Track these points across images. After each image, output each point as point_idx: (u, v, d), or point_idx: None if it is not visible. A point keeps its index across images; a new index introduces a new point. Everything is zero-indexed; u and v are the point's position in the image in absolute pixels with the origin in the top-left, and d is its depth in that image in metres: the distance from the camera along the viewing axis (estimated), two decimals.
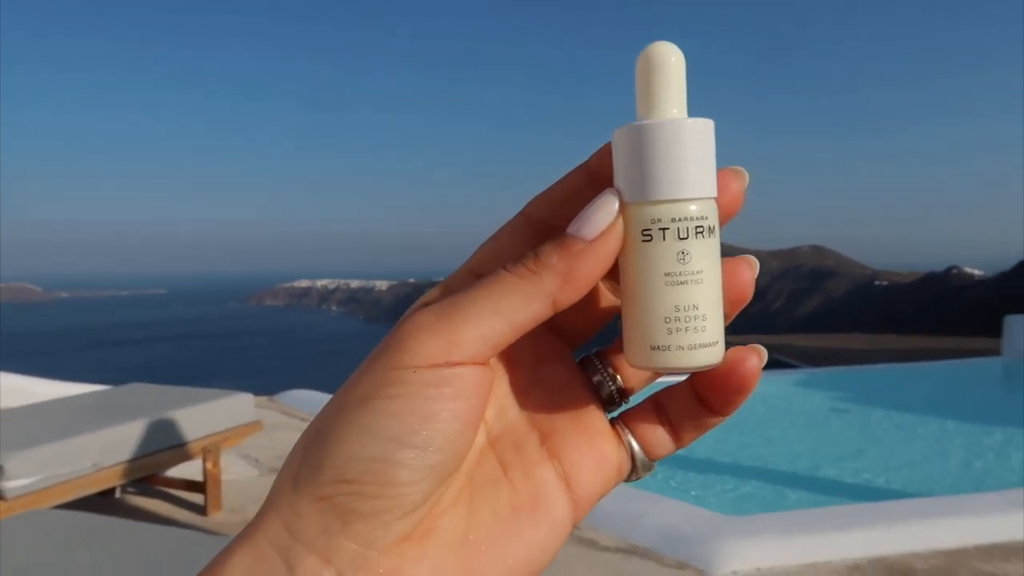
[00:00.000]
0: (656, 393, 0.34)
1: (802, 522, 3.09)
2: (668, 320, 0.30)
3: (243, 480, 3.84)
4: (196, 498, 3.51)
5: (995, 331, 8.65)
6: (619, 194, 0.30)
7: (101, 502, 3.39)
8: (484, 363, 0.29)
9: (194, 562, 1.74)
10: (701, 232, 0.30)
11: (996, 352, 8.54)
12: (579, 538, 2.98)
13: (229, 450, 4.07)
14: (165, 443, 3.14)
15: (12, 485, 2.54)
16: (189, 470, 3.64)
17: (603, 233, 0.29)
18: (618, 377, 0.34)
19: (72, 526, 1.93)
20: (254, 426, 3.58)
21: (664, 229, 0.30)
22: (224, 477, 3.61)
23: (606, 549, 2.92)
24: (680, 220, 0.30)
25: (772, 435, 6.08)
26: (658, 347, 0.30)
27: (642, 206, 0.30)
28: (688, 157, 0.30)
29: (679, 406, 0.33)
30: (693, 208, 0.30)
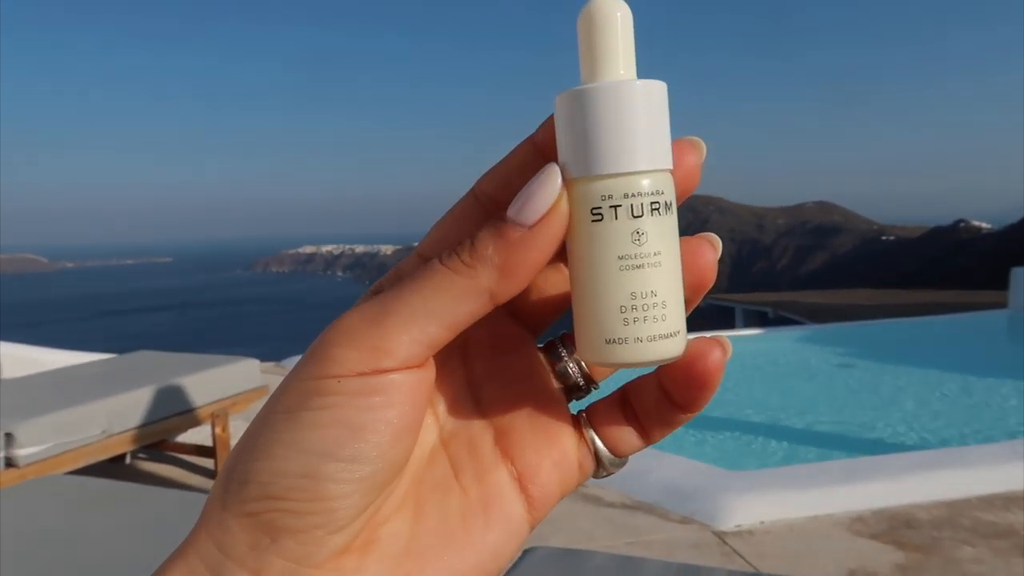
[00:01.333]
0: (624, 385, 0.32)
1: (805, 476, 3.12)
2: (624, 309, 0.27)
3: None
4: (206, 463, 3.56)
5: (1002, 284, 8.62)
6: (563, 169, 0.27)
7: (112, 468, 3.43)
8: (419, 365, 0.27)
9: None
10: (657, 209, 0.27)
11: (1003, 305, 8.53)
12: (584, 494, 3.02)
13: (237, 415, 4.11)
14: (174, 409, 3.17)
15: (23, 453, 2.57)
16: (198, 435, 3.68)
17: (544, 216, 0.26)
18: (583, 364, 0.32)
19: (83, 491, 1.95)
20: (261, 391, 3.61)
21: (615, 207, 0.26)
22: (232, 441, 3.65)
23: (611, 505, 2.95)
24: (633, 196, 0.26)
25: (778, 391, 6.12)
26: (614, 340, 0.27)
27: (589, 182, 0.27)
28: (638, 124, 0.26)
29: (646, 400, 0.30)
30: (646, 182, 0.27)
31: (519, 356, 0.32)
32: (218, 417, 3.34)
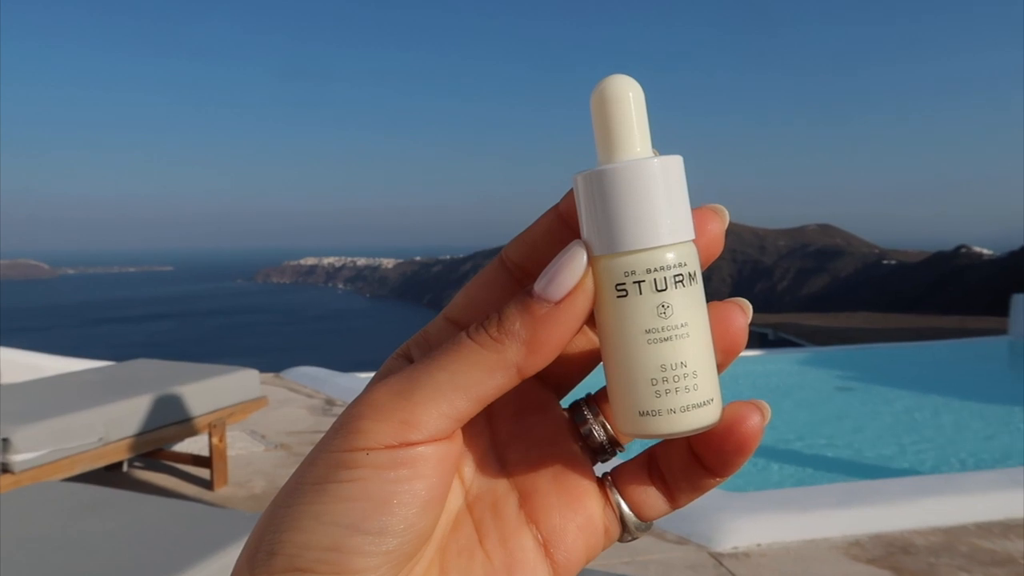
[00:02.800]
0: (650, 448, 0.31)
1: (803, 499, 3.10)
2: (655, 382, 0.27)
3: (249, 455, 3.87)
4: (202, 472, 3.54)
5: (1003, 310, 8.62)
6: (587, 246, 0.28)
7: (108, 476, 3.43)
8: (447, 438, 0.27)
9: (201, 535, 1.76)
10: (681, 280, 0.27)
11: (1003, 331, 8.52)
12: None
13: (235, 425, 4.10)
14: (171, 418, 3.17)
15: (19, 459, 2.57)
16: (195, 445, 3.68)
17: (570, 293, 0.27)
18: (608, 426, 0.32)
19: (79, 498, 1.95)
20: (259, 402, 3.60)
21: (639, 282, 0.27)
22: (230, 452, 3.64)
23: None
24: (657, 270, 0.27)
25: (777, 413, 6.07)
26: (647, 412, 0.28)
27: (613, 258, 0.27)
28: (658, 200, 0.27)
29: (674, 464, 0.30)
30: (670, 256, 0.27)
31: (544, 418, 0.32)
32: (215, 427, 3.33)
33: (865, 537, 2.82)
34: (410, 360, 0.31)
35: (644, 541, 2.79)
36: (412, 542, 0.27)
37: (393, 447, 0.26)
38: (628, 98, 0.28)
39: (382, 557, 0.26)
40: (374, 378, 0.29)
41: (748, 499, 3.16)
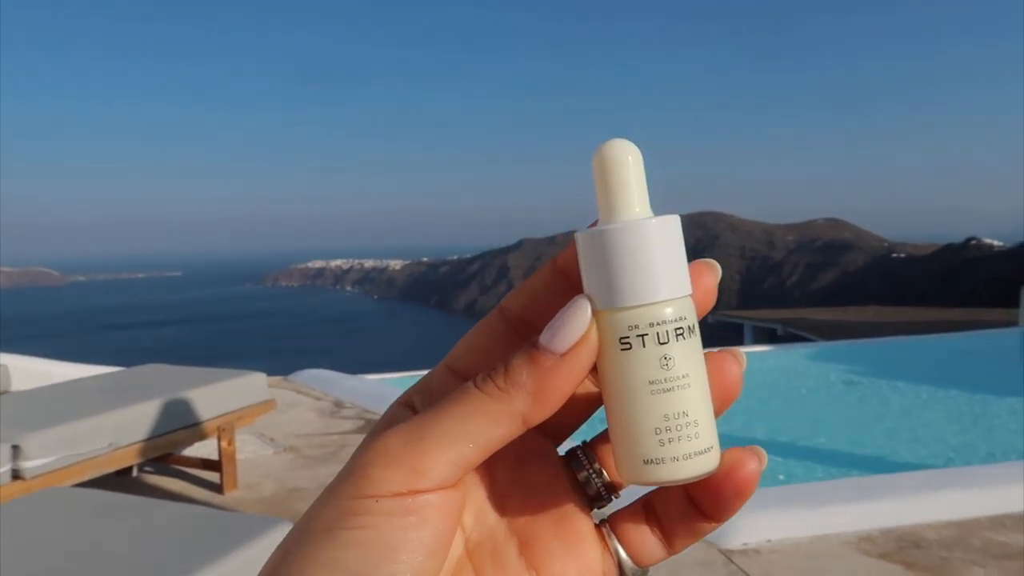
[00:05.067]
0: (647, 495, 0.32)
1: (813, 494, 3.09)
2: (659, 431, 0.28)
3: (258, 458, 3.88)
4: (212, 476, 3.56)
5: (1013, 302, 8.57)
6: (590, 300, 0.29)
7: (118, 481, 3.44)
8: (453, 486, 0.28)
9: (211, 539, 1.76)
10: (681, 333, 0.29)
11: (1014, 323, 8.47)
12: None
13: (243, 429, 4.11)
14: (180, 422, 3.18)
15: (30, 465, 2.58)
16: (205, 449, 3.69)
17: (575, 346, 0.28)
18: (604, 473, 0.33)
19: (90, 503, 1.96)
20: (268, 405, 3.61)
21: (643, 336, 0.28)
22: (239, 455, 3.65)
23: None
24: (658, 324, 0.28)
25: (787, 408, 6.08)
26: (651, 460, 0.29)
27: (616, 312, 0.29)
28: (657, 258, 0.29)
29: (671, 509, 0.31)
30: (670, 310, 0.29)
31: (541, 465, 0.33)
32: (224, 431, 3.34)
33: (876, 532, 2.81)
34: (413, 408, 0.31)
35: None
36: None
37: (402, 495, 0.27)
38: (628, 161, 0.29)
39: None
40: (377, 424, 0.30)
41: (758, 495, 3.14)
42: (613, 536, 0.32)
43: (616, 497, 0.33)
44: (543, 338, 0.28)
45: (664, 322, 0.28)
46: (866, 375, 7.04)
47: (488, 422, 0.28)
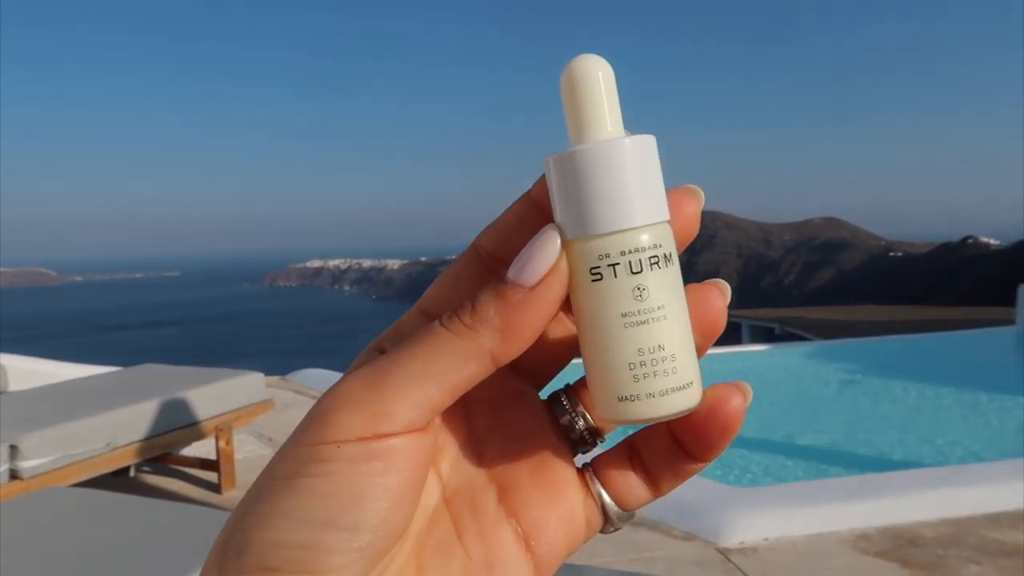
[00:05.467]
0: (631, 436, 0.31)
1: (810, 492, 3.10)
2: (633, 366, 0.27)
3: (256, 458, 3.88)
4: (210, 476, 3.56)
5: (1010, 301, 8.59)
6: (560, 230, 0.27)
7: (116, 481, 3.44)
8: (420, 430, 0.26)
9: (209, 538, 1.76)
10: (656, 262, 0.27)
11: (1011, 322, 8.49)
12: None
13: (241, 428, 4.11)
14: (178, 422, 3.18)
15: (27, 465, 2.58)
16: (203, 449, 3.69)
17: (544, 278, 0.26)
18: (588, 417, 0.31)
19: (87, 503, 1.96)
20: (266, 404, 3.62)
21: (614, 265, 0.26)
22: (237, 455, 3.65)
23: None
24: (631, 252, 0.26)
25: (784, 407, 6.09)
26: (626, 397, 0.27)
27: (587, 241, 0.27)
28: (631, 181, 0.26)
29: (656, 451, 0.30)
30: (644, 237, 0.27)
31: (522, 410, 0.31)
32: (222, 431, 3.34)
33: (873, 530, 2.81)
34: (383, 353, 0.29)
35: (650, 537, 2.79)
36: (385, 538, 0.26)
37: (365, 439, 0.25)
38: (598, 78, 0.27)
39: (355, 554, 0.25)
40: (347, 372, 0.28)
41: (755, 494, 3.16)
42: (596, 480, 0.30)
43: (601, 442, 0.32)
44: (511, 272, 0.27)
45: (637, 250, 0.26)
46: (863, 374, 7.05)
47: (455, 361, 0.26)
